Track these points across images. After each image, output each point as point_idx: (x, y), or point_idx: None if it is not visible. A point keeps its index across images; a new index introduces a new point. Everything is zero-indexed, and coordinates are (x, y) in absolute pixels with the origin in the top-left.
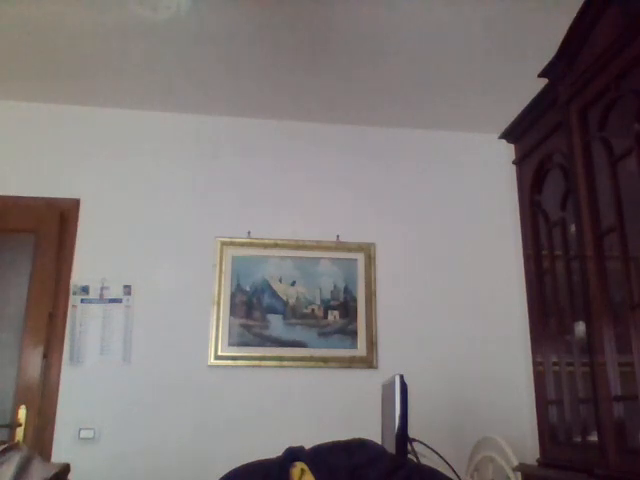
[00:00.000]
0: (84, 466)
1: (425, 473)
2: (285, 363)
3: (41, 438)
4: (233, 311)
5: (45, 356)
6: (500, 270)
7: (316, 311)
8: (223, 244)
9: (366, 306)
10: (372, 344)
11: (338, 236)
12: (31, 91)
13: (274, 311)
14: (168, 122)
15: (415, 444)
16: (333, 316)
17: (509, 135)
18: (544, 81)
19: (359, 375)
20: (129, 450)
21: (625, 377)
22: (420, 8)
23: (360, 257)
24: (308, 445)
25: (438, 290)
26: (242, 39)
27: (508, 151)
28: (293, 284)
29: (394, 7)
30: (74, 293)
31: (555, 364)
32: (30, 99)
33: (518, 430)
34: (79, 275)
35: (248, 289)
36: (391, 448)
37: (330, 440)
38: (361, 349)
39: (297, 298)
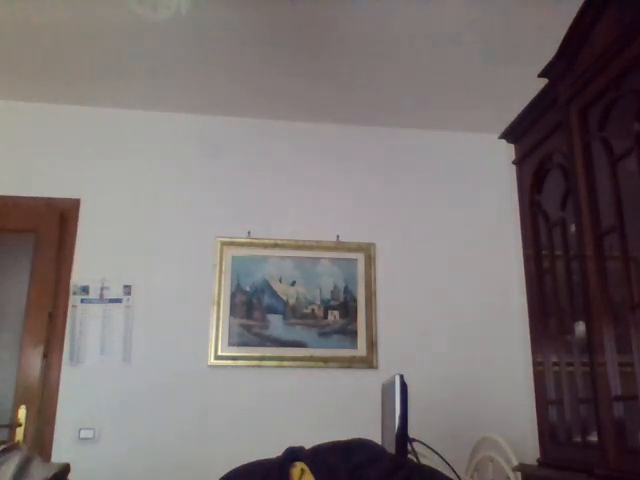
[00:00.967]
0: (84, 466)
1: (425, 473)
2: (285, 363)
3: (41, 438)
4: (233, 311)
5: (45, 356)
6: (500, 270)
7: (316, 311)
8: (223, 244)
9: (366, 306)
10: (372, 344)
11: (338, 236)
12: (31, 91)
13: (274, 311)
14: (168, 122)
15: (415, 444)
16: (333, 316)
17: (509, 135)
18: (544, 81)
19: (359, 375)
20: (129, 450)
21: (625, 377)
22: (420, 8)
23: (360, 257)
24: (308, 445)
25: (438, 290)
26: (242, 39)
27: (508, 151)
28: (293, 284)
29: (394, 7)
30: (74, 293)
31: (555, 364)
32: (30, 99)
33: (518, 430)
34: (79, 275)
35: (248, 289)
36: (391, 448)
37: (330, 440)
38: (361, 349)
39: (297, 298)
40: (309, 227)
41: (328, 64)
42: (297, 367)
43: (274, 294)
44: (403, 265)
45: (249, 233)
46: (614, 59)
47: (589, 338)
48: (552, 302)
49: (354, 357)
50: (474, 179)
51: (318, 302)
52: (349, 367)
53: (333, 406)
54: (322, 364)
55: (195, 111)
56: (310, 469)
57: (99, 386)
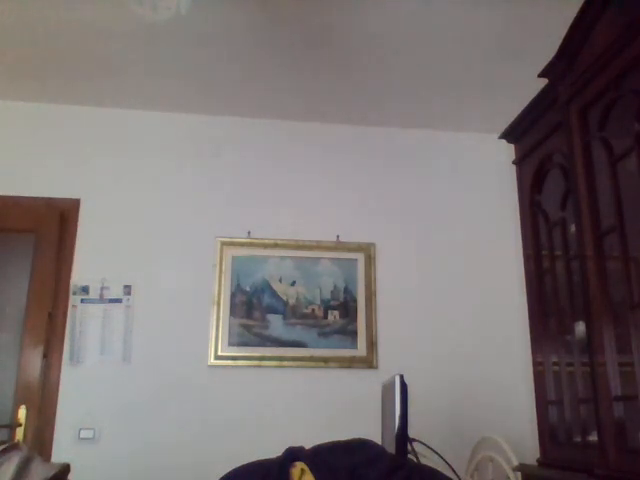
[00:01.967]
0: (84, 466)
1: (425, 473)
2: (285, 363)
3: (41, 438)
4: (233, 311)
5: (45, 356)
6: (500, 270)
7: (316, 311)
8: (223, 244)
9: (366, 306)
10: (372, 344)
11: (338, 236)
12: (31, 91)
13: (274, 311)
14: (168, 122)
15: (415, 444)
16: (333, 316)
17: (509, 135)
18: (544, 81)
19: (359, 375)
20: (129, 450)
21: (625, 377)
22: (420, 8)
23: (360, 257)
24: (308, 445)
25: (438, 290)
26: (242, 39)
27: (508, 151)
28: (293, 284)
29: (394, 7)
30: (74, 293)
31: (555, 364)
32: (30, 99)
33: (518, 430)
34: (79, 275)
35: (248, 289)
36: (391, 448)
37: (330, 440)
38: (361, 349)
39: (297, 298)
40: (309, 227)
41: (328, 64)
42: (297, 367)
43: (274, 294)
44: (403, 265)
45: (249, 233)
46: (614, 59)
47: (589, 338)
48: (552, 302)
49: (354, 357)
50: (474, 179)
51: (318, 302)
52: (349, 367)
53: (333, 406)
54: (322, 364)
55: (195, 111)
56: (310, 469)
57: (99, 386)
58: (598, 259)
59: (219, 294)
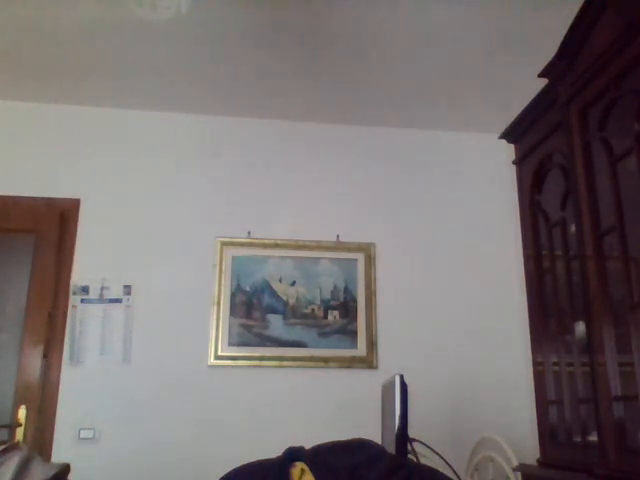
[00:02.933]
0: (84, 466)
1: (425, 473)
2: (285, 363)
3: (41, 438)
4: (233, 311)
5: (45, 356)
6: (500, 270)
7: (316, 311)
8: (223, 244)
9: (366, 306)
10: (372, 344)
11: (338, 236)
12: (31, 91)
13: (274, 311)
14: (168, 122)
15: (415, 444)
16: (333, 316)
17: (509, 135)
18: (544, 81)
19: (359, 375)
20: (129, 450)
21: (625, 377)
22: (420, 8)
23: (360, 257)
24: (308, 445)
25: (438, 290)
26: (242, 39)
27: (508, 151)
28: (293, 284)
29: (394, 7)
30: (74, 293)
31: (555, 364)
32: (30, 99)
33: (518, 430)
34: (79, 275)
35: (248, 289)
36: (391, 448)
37: (330, 440)
38: (361, 349)
39: (297, 298)
40: (309, 227)
41: (328, 64)
42: (297, 367)
43: (274, 294)
44: (403, 265)
45: (249, 233)
46: (614, 59)
47: (589, 338)
48: (552, 302)
49: (354, 357)
50: (474, 179)
51: (318, 302)
52: (349, 367)
53: (333, 406)
54: (322, 364)
55: (195, 111)
56: (310, 469)
57: (99, 386)
58: (598, 259)
59: (219, 294)
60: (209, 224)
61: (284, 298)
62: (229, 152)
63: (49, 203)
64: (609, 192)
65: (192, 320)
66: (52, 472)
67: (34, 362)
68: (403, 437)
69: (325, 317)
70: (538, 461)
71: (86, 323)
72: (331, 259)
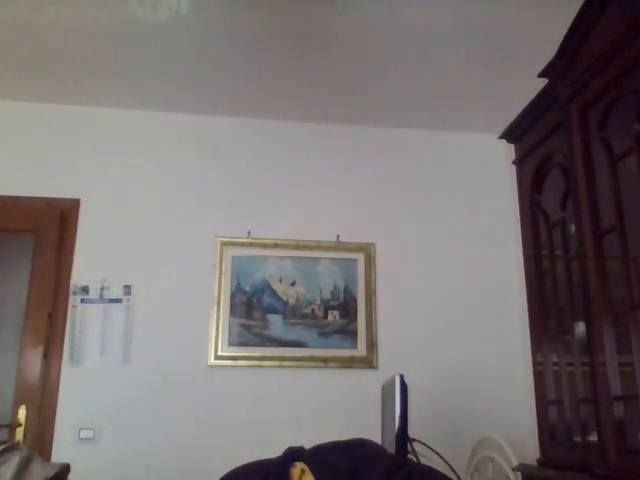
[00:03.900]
0: (84, 466)
1: (425, 473)
2: (285, 363)
3: (41, 438)
4: (233, 311)
5: (45, 356)
6: (500, 270)
7: (316, 311)
8: (223, 244)
9: (366, 306)
10: (372, 344)
11: (338, 236)
12: (31, 91)
13: (274, 311)
14: (168, 122)
15: (415, 444)
16: (333, 316)
17: (509, 135)
18: (544, 81)
19: (359, 375)
20: (129, 450)
21: (625, 377)
22: (420, 8)
23: (360, 257)
24: (308, 445)
25: (438, 290)
26: (242, 39)
27: (508, 151)
28: (293, 284)
29: (394, 7)
30: (74, 293)
31: (555, 364)
32: (30, 99)
33: (518, 430)
34: (79, 275)
35: (248, 289)
36: (391, 448)
37: (330, 440)
38: (361, 349)
39: (297, 298)
40: (309, 227)
41: (328, 64)
42: (297, 367)
43: (274, 294)
44: (403, 265)
45: (249, 233)
46: (614, 59)
47: (589, 338)
48: (552, 302)
49: (354, 357)
50: (474, 179)
51: (318, 302)
52: (349, 367)
53: (333, 406)
54: (322, 364)
55: (195, 111)
56: (310, 469)
57: (99, 386)
58: (598, 259)
59: (219, 294)
60: (209, 224)
61: (284, 298)
62: (229, 152)
63: (49, 203)
64: (609, 192)
65: (192, 320)
66: (52, 472)
67: (34, 362)
68: (403, 437)
69: (325, 317)
70: (538, 461)
71: (86, 323)
72: (331, 259)
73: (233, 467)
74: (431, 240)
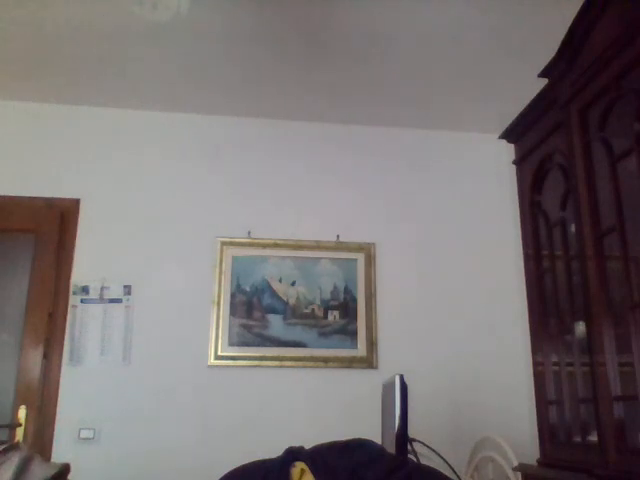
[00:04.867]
0: (84, 466)
1: (425, 473)
2: (285, 363)
3: (41, 438)
4: (233, 311)
5: (45, 356)
6: (500, 270)
7: (316, 311)
8: (223, 244)
9: (366, 306)
10: (372, 344)
11: (338, 236)
12: (31, 91)
13: (274, 311)
14: (168, 122)
15: (415, 444)
16: (333, 316)
17: (509, 135)
18: (544, 81)
19: (359, 375)
20: (129, 450)
21: (625, 377)
22: (420, 8)
23: (360, 257)
24: (308, 445)
25: (438, 290)
26: (242, 39)
27: (508, 151)
28: (293, 284)
29: (394, 7)
30: (74, 293)
31: (555, 364)
32: (30, 99)
33: (518, 430)
34: (79, 275)
35: (248, 289)
36: (391, 448)
37: (330, 440)
38: (361, 349)
39: (297, 298)
40: (309, 227)
41: (328, 64)
42: (297, 367)
43: (274, 294)
44: (403, 265)
45: (249, 233)
46: (614, 59)
47: (589, 338)
48: (552, 302)
49: (354, 357)
50: (474, 179)
51: (318, 302)
52: (349, 367)
53: (333, 406)
54: (322, 364)
55: (195, 111)
56: (310, 469)
57: (99, 386)
58: (598, 259)
59: (219, 294)
60: (209, 224)
61: (284, 298)
62: (229, 152)
63: (49, 203)
64: (609, 192)
65: (192, 320)
66: (52, 472)
67: (34, 362)
68: (403, 437)
69: (325, 317)
70: (538, 461)
71: (86, 323)
72: (331, 259)
73: (233, 467)
74: (431, 240)
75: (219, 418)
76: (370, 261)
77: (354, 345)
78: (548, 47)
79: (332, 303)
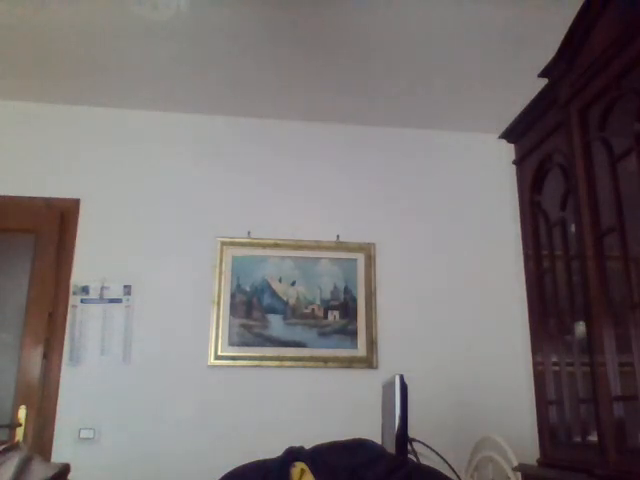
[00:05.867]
0: (84, 466)
1: (425, 473)
2: (285, 363)
3: (41, 438)
4: (233, 311)
5: (45, 356)
6: (500, 270)
7: (316, 311)
8: (223, 244)
9: (366, 306)
10: (372, 344)
11: (338, 236)
12: (31, 91)
13: (274, 311)
14: (168, 122)
15: (415, 444)
16: (333, 316)
17: (509, 135)
18: (544, 81)
19: (359, 375)
20: (129, 450)
21: (625, 377)
22: (420, 8)
23: (360, 257)
24: (308, 445)
25: (438, 290)
26: (242, 39)
27: (508, 151)
28: (293, 284)
29: (394, 6)
30: (74, 293)
31: (555, 364)
32: (30, 99)
33: (518, 430)
34: (79, 275)
35: (248, 289)
36: (391, 448)
37: (330, 440)
38: (361, 349)
39: (297, 298)
40: (309, 227)
41: (328, 64)
42: (297, 367)
43: (274, 294)
44: (403, 265)
45: (249, 233)
46: (614, 59)
47: (589, 338)
48: (552, 302)
49: (354, 357)
50: (474, 179)
51: (318, 302)
52: (349, 367)
53: (333, 406)
54: (322, 364)
55: (195, 111)
56: (310, 469)
57: (99, 386)
58: (598, 259)
59: (219, 294)
60: (209, 224)
61: (284, 298)
62: (229, 152)
63: (49, 203)
64: (609, 192)
65: (192, 320)
66: (52, 472)
67: (34, 362)
68: (403, 437)
69: (325, 317)
70: (538, 461)
71: (86, 323)
72: (331, 259)
73: (233, 467)
74: (431, 240)
75: (219, 418)
76: (370, 261)
77: (354, 345)
78: (548, 47)
79: (332, 303)
